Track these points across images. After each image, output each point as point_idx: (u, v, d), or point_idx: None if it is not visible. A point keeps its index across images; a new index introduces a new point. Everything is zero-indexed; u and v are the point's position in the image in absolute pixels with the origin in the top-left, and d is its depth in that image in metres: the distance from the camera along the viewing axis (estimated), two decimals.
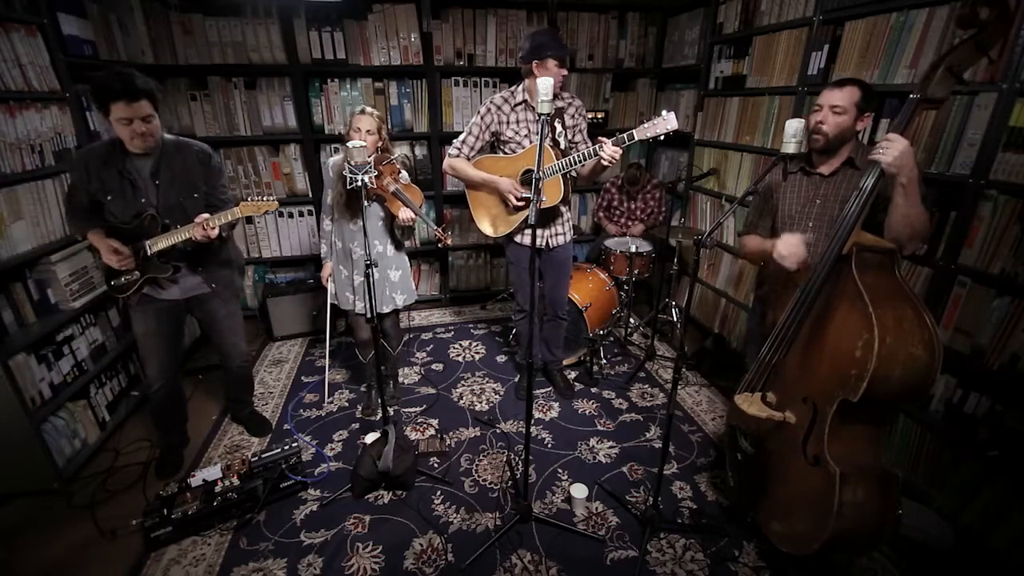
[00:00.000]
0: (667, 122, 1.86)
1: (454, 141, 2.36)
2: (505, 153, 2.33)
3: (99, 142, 1.96)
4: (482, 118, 2.28)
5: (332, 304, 2.61)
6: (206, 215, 1.86)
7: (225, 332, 2.23)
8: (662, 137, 1.89)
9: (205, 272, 2.09)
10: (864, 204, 1.41)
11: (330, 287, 2.52)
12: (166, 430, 2.30)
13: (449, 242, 2.25)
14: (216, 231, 1.87)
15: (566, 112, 2.29)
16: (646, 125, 1.89)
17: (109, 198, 1.85)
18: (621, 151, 1.96)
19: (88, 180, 1.84)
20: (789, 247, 1.61)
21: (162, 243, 1.91)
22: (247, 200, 1.91)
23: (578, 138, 2.35)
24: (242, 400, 2.52)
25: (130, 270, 1.94)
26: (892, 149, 1.37)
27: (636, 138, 1.91)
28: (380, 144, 2.25)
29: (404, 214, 2.16)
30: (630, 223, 3.52)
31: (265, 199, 1.91)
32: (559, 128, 2.23)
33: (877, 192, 1.43)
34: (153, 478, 2.21)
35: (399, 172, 2.23)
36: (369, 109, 2.21)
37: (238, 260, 2.26)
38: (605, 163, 1.99)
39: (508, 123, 2.28)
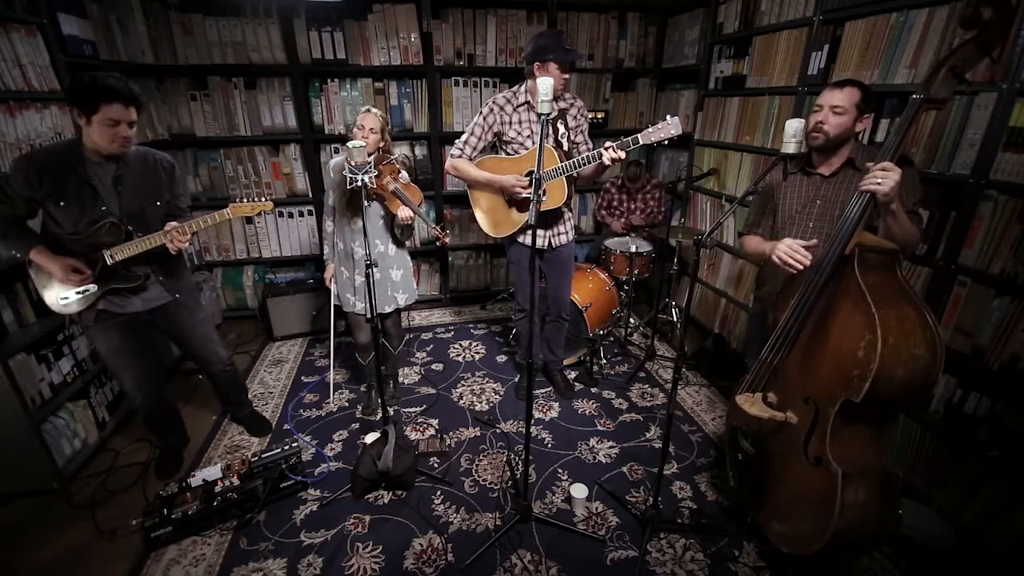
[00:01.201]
0: (671, 126, 1.86)
1: (456, 142, 2.35)
2: (508, 154, 2.33)
3: (53, 144, 1.84)
4: (484, 118, 2.28)
5: (335, 305, 2.61)
6: (175, 223, 1.81)
7: (198, 340, 2.16)
8: (666, 142, 1.89)
9: (168, 280, 2.00)
10: (865, 207, 1.41)
11: (333, 288, 2.52)
12: (162, 435, 2.29)
13: (447, 240, 2.26)
14: (188, 240, 1.82)
15: (568, 113, 2.29)
16: (650, 129, 1.89)
17: (61, 204, 1.71)
18: (625, 155, 1.96)
19: (38, 185, 1.68)
20: (789, 252, 1.57)
21: (127, 251, 1.81)
22: (238, 201, 1.89)
23: (579, 139, 2.35)
24: (239, 402, 2.50)
25: (86, 284, 1.82)
26: (889, 180, 1.34)
27: (641, 142, 1.91)
28: (382, 145, 2.26)
29: (403, 213, 2.18)
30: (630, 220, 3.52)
31: (259, 200, 1.89)
32: (562, 129, 2.23)
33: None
34: (153, 478, 2.21)
35: (399, 172, 2.25)
36: (375, 110, 2.24)
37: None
38: (607, 164, 1.99)
39: (511, 124, 2.27)
